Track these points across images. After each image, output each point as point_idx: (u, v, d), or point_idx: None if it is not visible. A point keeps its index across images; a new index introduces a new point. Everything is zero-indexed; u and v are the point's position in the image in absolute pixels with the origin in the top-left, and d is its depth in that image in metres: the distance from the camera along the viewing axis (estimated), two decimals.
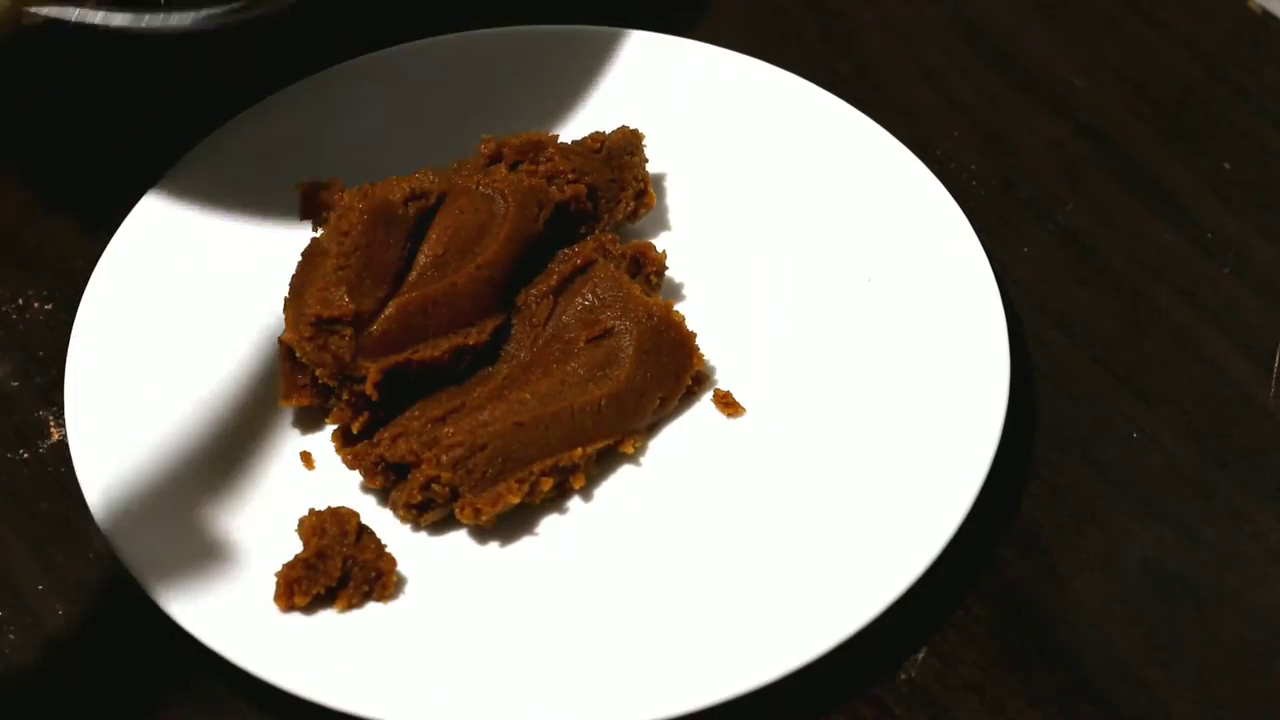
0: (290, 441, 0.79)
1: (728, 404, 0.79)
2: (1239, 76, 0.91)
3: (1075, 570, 0.77)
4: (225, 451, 0.78)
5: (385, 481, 0.76)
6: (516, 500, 0.75)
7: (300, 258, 0.79)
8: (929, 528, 0.73)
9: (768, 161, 0.85)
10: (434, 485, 0.75)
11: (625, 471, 0.78)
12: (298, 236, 0.81)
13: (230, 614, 0.72)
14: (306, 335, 0.76)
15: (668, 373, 0.78)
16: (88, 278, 0.81)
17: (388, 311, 0.77)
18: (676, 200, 0.85)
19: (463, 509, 0.75)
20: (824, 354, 0.80)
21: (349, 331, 0.76)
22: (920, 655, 0.74)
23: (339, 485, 0.77)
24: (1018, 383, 0.80)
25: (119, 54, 0.93)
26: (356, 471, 0.77)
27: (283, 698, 0.71)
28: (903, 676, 0.74)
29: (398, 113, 0.87)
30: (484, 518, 0.75)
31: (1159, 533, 0.77)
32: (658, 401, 0.78)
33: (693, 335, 0.79)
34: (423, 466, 0.75)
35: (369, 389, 0.76)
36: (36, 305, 0.84)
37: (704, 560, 0.75)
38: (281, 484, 0.77)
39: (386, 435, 0.76)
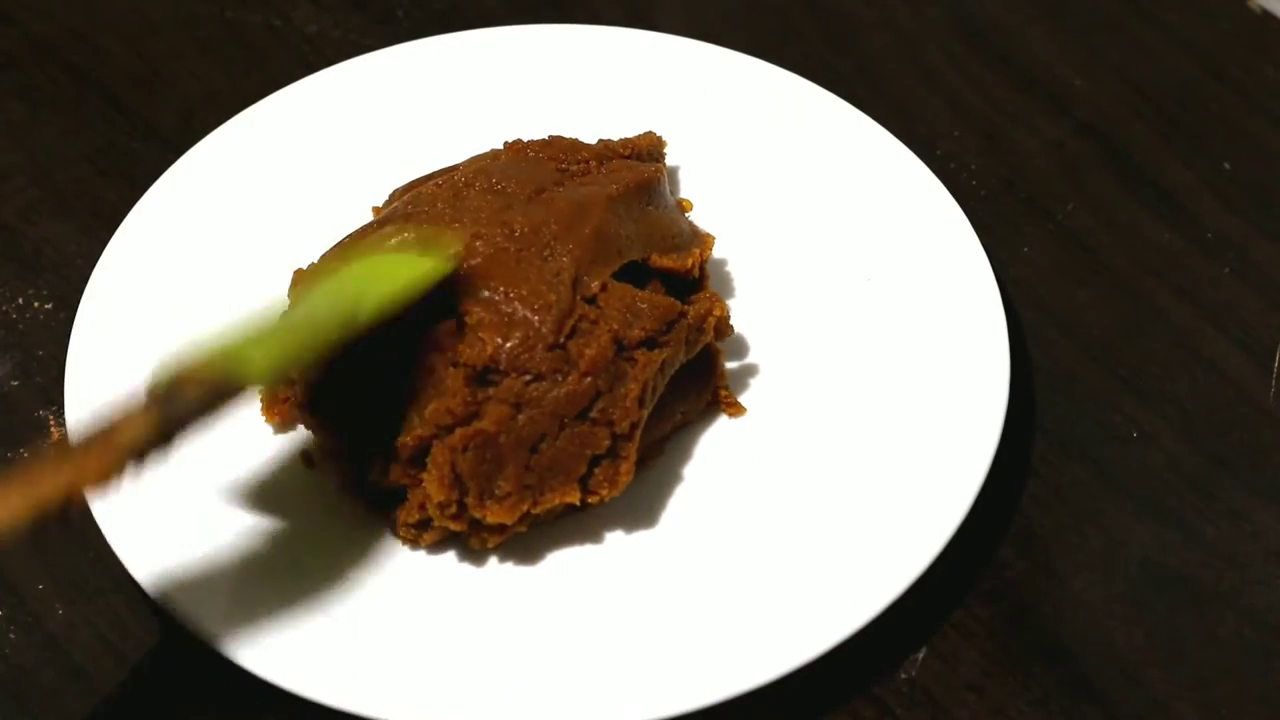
0: (291, 441, 0.79)
1: (728, 404, 0.79)
2: (1239, 76, 0.92)
3: (1075, 570, 0.76)
4: (225, 450, 0.77)
5: (383, 506, 0.76)
6: (524, 529, 0.74)
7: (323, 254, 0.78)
8: (929, 528, 0.73)
9: (768, 161, 0.85)
10: None
11: None
12: (296, 236, 0.81)
13: (230, 613, 0.72)
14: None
15: (691, 388, 0.78)
16: (88, 278, 0.81)
17: None
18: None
19: (470, 538, 0.74)
20: (824, 354, 0.80)
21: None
22: (920, 655, 0.74)
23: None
24: (1018, 383, 0.80)
25: (116, 56, 0.93)
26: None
27: (284, 697, 0.71)
28: (903, 676, 0.74)
29: (399, 112, 0.87)
30: (491, 545, 0.74)
31: (1159, 533, 0.77)
32: (679, 416, 0.78)
33: (720, 351, 0.79)
34: (421, 486, 0.74)
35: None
36: (36, 305, 0.84)
37: (704, 559, 0.75)
38: (282, 483, 0.77)
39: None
